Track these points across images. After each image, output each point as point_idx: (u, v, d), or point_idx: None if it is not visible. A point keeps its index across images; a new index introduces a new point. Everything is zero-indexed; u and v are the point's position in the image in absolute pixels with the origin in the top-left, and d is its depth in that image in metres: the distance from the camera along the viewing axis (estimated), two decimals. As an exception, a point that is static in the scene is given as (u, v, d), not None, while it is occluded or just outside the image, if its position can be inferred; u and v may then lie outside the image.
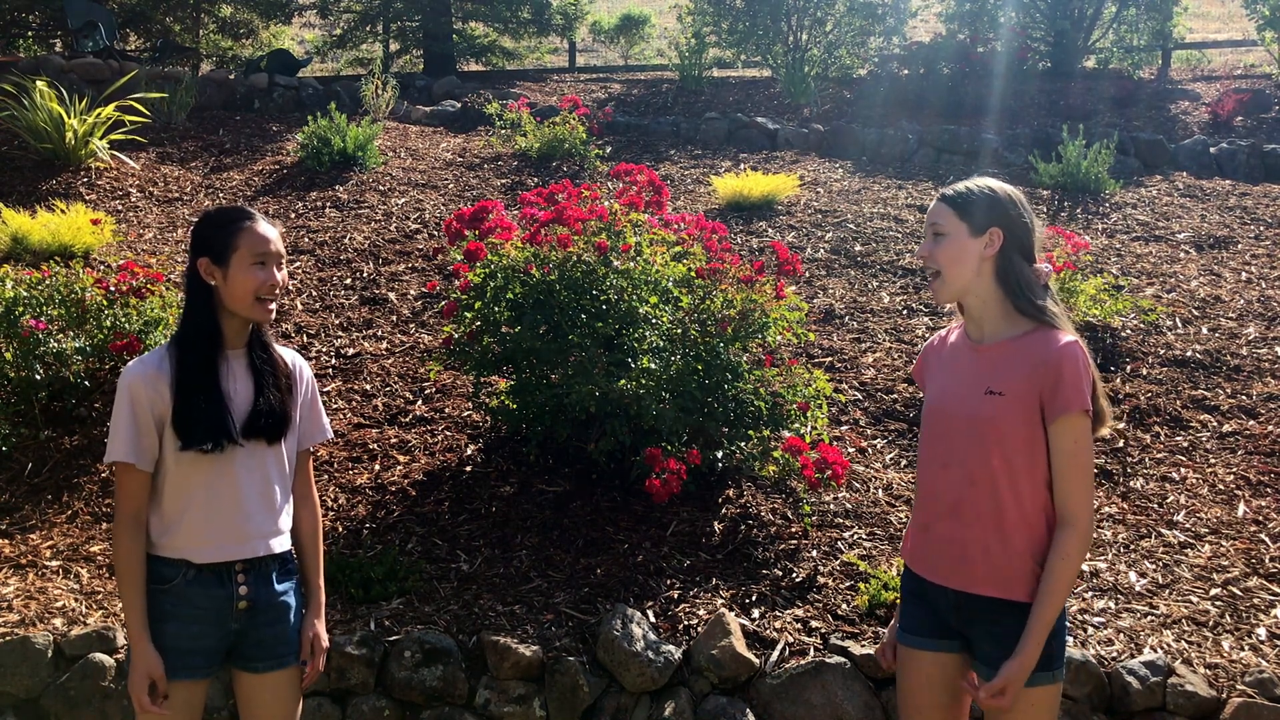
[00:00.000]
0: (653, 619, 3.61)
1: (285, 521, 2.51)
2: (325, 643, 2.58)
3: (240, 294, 2.37)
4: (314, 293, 6.24)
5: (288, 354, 2.58)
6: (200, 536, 2.39)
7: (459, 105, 11.16)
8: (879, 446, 4.82)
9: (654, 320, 4.18)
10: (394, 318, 5.95)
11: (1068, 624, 3.60)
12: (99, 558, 4.00)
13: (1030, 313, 2.32)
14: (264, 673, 2.48)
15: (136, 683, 2.33)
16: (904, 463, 4.69)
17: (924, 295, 6.28)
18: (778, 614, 3.65)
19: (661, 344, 4.18)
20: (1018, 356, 2.30)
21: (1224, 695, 3.32)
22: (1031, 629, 2.23)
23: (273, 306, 2.43)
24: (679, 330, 4.30)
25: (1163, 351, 5.62)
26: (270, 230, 2.42)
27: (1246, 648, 3.53)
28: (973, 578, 2.32)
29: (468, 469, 4.54)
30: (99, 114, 7.93)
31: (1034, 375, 2.25)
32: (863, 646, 3.43)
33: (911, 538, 2.49)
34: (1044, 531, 2.29)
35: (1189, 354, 5.59)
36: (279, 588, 2.49)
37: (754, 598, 3.73)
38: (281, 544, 2.49)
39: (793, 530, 4.16)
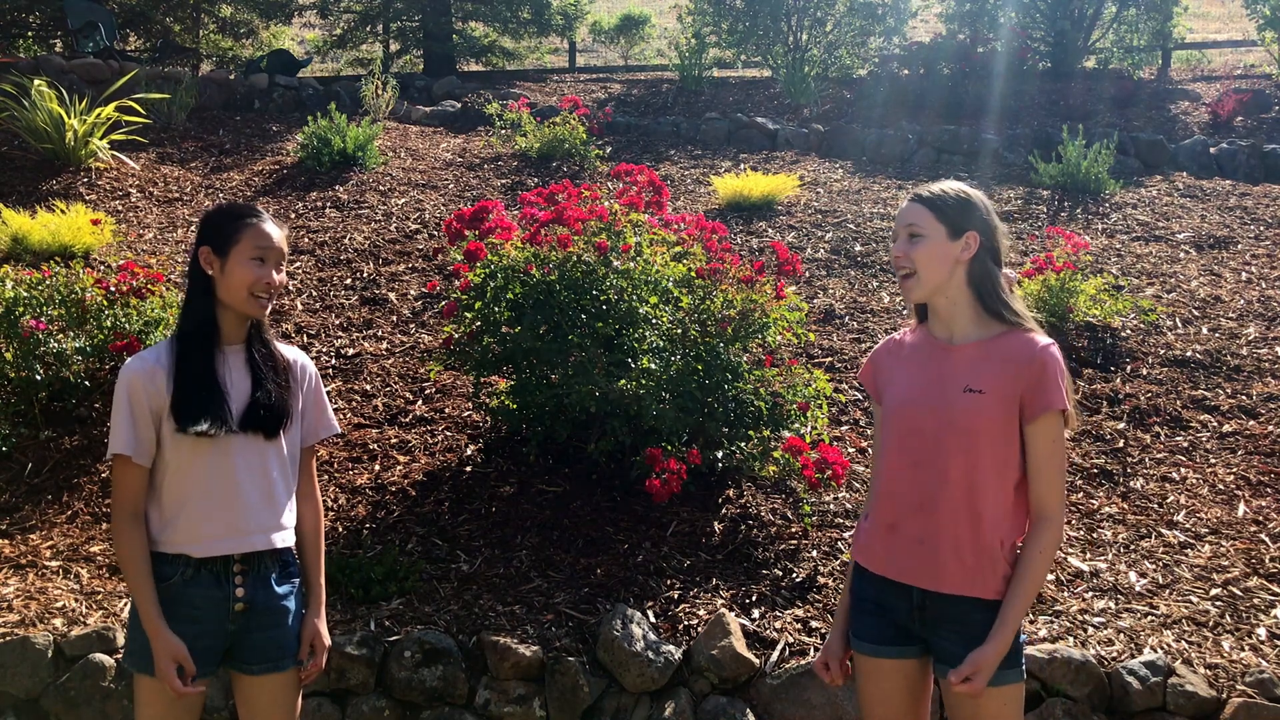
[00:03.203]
0: (653, 619, 3.61)
1: (289, 517, 2.50)
2: (326, 641, 2.57)
3: (235, 286, 2.39)
4: (314, 293, 6.24)
5: (289, 351, 2.58)
6: (199, 530, 2.39)
7: (459, 105, 11.16)
8: (879, 446, 4.82)
9: (654, 320, 4.18)
10: (394, 318, 5.95)
11: (1067, 624, 3.61)
12: (99, 558, 4.00)
13: (1002, 315, 2.36)
14: (259, 675, 2.47)
15: (163, 668, 2.33)
16: (904, 463, 4.69)
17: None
18: (778, 614, 3.65)
19: (661, 344, 4.18)
20: (997, 356, 2.32)
21: (1224, 695, 3.32)
22: (1006, 618, 2.24)
23: (266, 303, 2.44)
24: (679, 330, 4.30)
25: (1163, 351, 5.62)
26: (274, 230, 2.45)
27: (1246, 648, 3.53)
28: (943, 576, 2.31)
29: (468, 469, 4.54)
30: (99, 114, 7.93)
31: (1017, 374, 2.28)
32: (863, 646, 3.43)
33: (872, 538, 2.43)
34: (1013, 530, 2.32)
35: (1189, 354, 5.59)
36: (278, 590, 2.48)
37: (754, 598, 3.73)
38: (284, 539, 2.48)
39: (793, 530, 4.16)
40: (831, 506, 4.31)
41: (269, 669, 2.47)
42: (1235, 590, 3.85)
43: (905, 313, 6.05)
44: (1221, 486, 4.54)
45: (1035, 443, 2.28)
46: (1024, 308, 2.39)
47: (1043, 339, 2.32)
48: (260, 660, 2.47)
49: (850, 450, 4.72)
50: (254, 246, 2.40)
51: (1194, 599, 3.80)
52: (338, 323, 5.88)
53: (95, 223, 6.40)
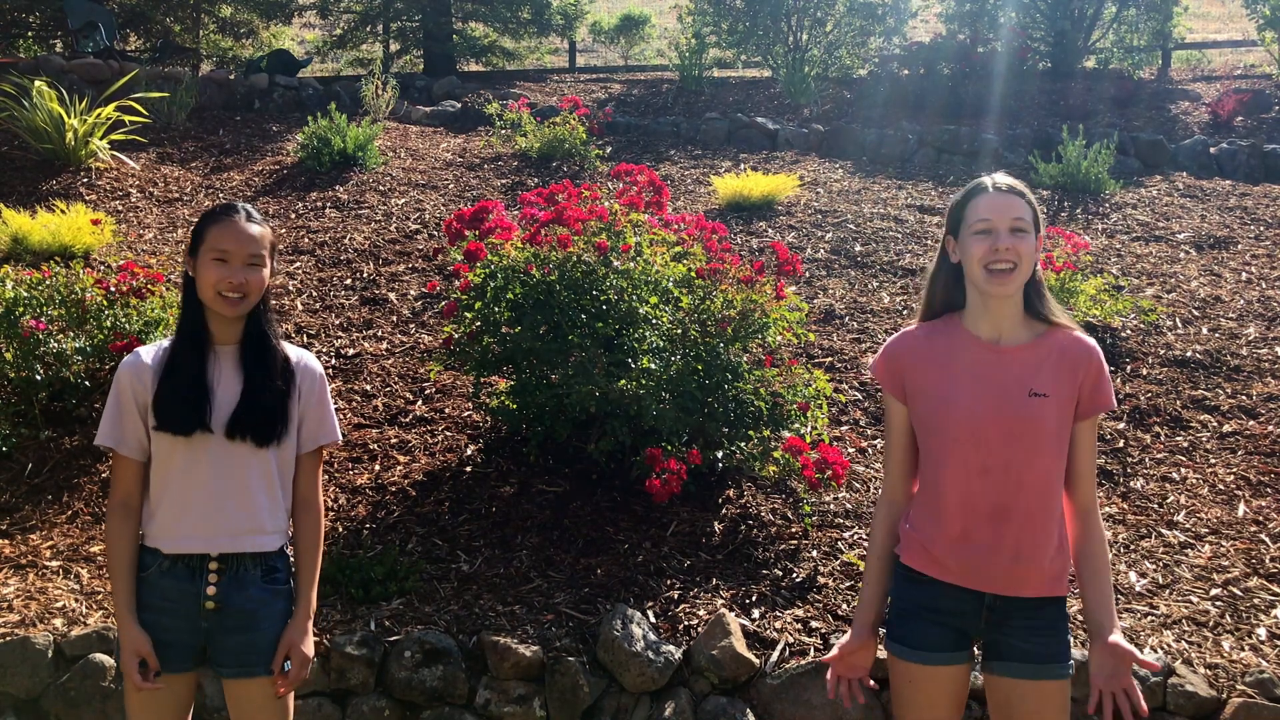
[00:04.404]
0: (653, 619, 3.61)
1: (270, 522, 2.45)
2: (307, 653, 2.48)
3: (204, 286, 2.40)
4: (314, 293, 6.24)
5: (295, 353, 2.53)
6: (171, 526, 2.40)
7: (459, 105, 11.16)
8: (879, 447, 4.82)
9: (654, 320, 4.18)
10: (394, 318, 5.95)
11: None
12: (99, 558, 4.00)
13: (1045, 315, 2.37)
14: (231, 679, 2.46)
15: (126, 661, 2.37)
16: (904, 463, 4.69)
17: (924, 295, 6.27)
18: (778, 614, 3.65)
19: (661, 344, 4.18)
20: (1052, 357, 2.33)
21: (1224, 695, 3.32)
22: (1109, 606, 2.32)
23: (235, 303, 2.40)
24: (679, 330, 4.30)
25: (1163, 351, 5.62)
26: (244, 229, 2.41)
27: (1246, 648, 3.53)
28: (1023, 580, 2.32)
29: (468, 469, 4.54)
30: (99, 114, 7.93)
31: (1074, 375, 2.32)
32: (863, 646, 3.43)
33: (937, 546, 2.37)
34: (1063, 524, 2.37)
35: (1189, 354, 5.59)
36: (255, 594, 2.43)
37: (754, 598, 3.73)
38: (259, 544, 2.43)
39: (793, 530, 4.16)
40: (831, 506, 4.31)
41: (240, 673, 2.45)
42: (1235, 590, 3.85)
43: (905, 312, 6.04)
44: (1221, 486, 4.54)
45: (1083, 440, 2.35)
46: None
47: (1089, 338, 2.36)
48: (232, 664, 2.44)
49: (850, 450, 4.72)
50: (215, 247, 2.39)
51: (1194, 599, 3.80)
52: (338, 323, 5.88)
53: (95, 223, 6.40)
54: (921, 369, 2.41)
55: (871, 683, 2.65)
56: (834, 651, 2.53)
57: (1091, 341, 2.35)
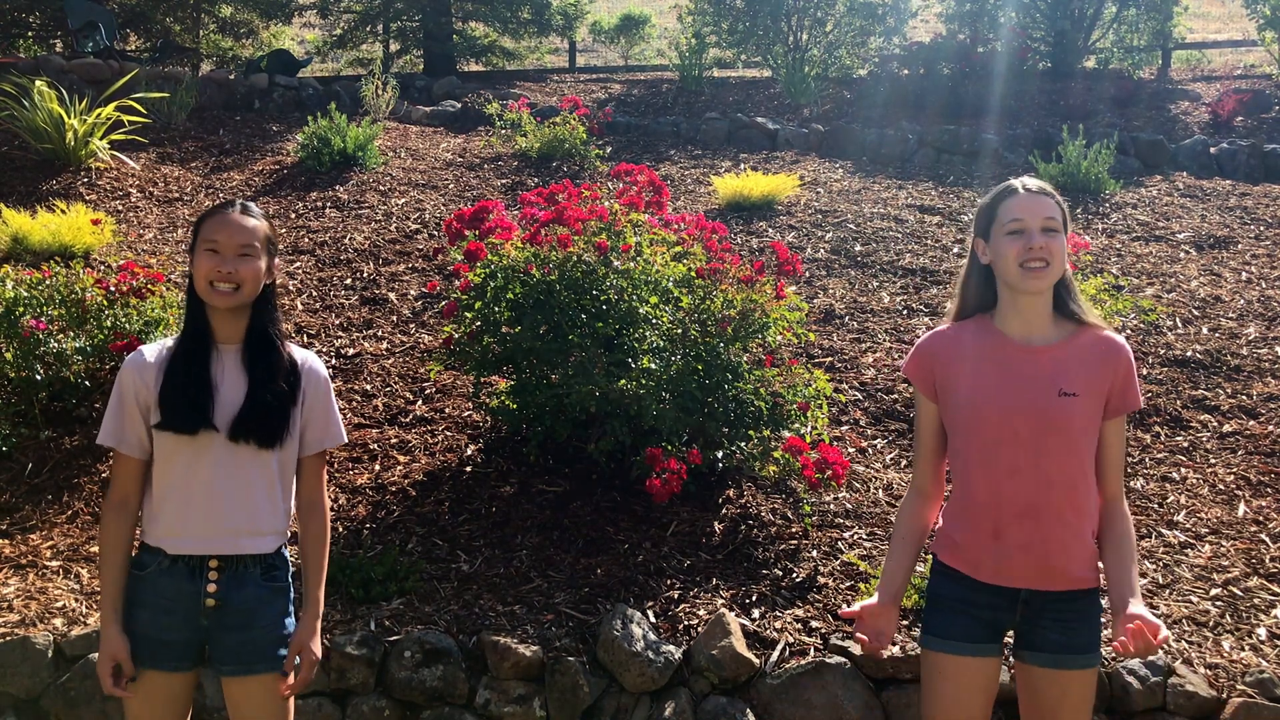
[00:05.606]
0: (653, 619, 3.61)
1: (268, 524, 2.45)
2: (315, 655, 2.49)
3: (198, 279, 2.41)
4: (314, 293, 6.24)
5: (301, 355, 2.53)
6: (175, 526, 2.40)
7: (459, 105, 11.17)
8: (879, 446, 4.82)
9: (654, 320, 4.18)
10: (394, 318, 5.95)
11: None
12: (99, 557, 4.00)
13: (1076, 314, 2.40)
14: (230, 676, 2.46)
15: (101, 664, 2.37)
16: (904, 463, 4.69)
17: (924, 295, 6.27)
18: (778, 614, 3.65)
19: (661, 344, 4.18)
20: (1083, 357, 2.37)
21: (1224, 695, 3.32)
22: (1135, 588, 2.32)
23: (227, 294, 2.40)
24: (679, 330, 4.30)
25: (1163, 351, 5.62)
26: (236, 220, 2.42)
27: (1247, 648, 3.53)
28: (1053, 576, 2.36)
29: (468, 469, 4.55)
30: (99, 114, 7.93)
31: (1105, 375, 2.35)
32: (863, 646, 3.43)
33: (971, 545, 2.41)
34: (1095, 518, 2.41)
35: (1189, 354, 5.59)
36: (255, 592, 2.44)
37: (754, 598, 3.73)
38: (259, 546, 2.44)
39: (793, 530, 4.16)
40: (831, 507, 4.31)
41: (239, 671, 2.45)
42: (1235, 590, 3.85)
43: (905, 312, 6.05)
44: (1221, 486, 4.54)
45: (1111, 436, 2.39)
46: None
47: (1119, 337, 2.40)
48: (231, 661, 2.45)
49: (850, 450, 4.72)
50: (208, 238, 2.41)
51: (1194, 599, 3.80)
52: (338, 323, 5.88)
53: (95, 223, 6.40)
54: (952, 367, 2.45)
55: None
56: (855, 608, 2.54)
57: (1121, 340, 2.38)
